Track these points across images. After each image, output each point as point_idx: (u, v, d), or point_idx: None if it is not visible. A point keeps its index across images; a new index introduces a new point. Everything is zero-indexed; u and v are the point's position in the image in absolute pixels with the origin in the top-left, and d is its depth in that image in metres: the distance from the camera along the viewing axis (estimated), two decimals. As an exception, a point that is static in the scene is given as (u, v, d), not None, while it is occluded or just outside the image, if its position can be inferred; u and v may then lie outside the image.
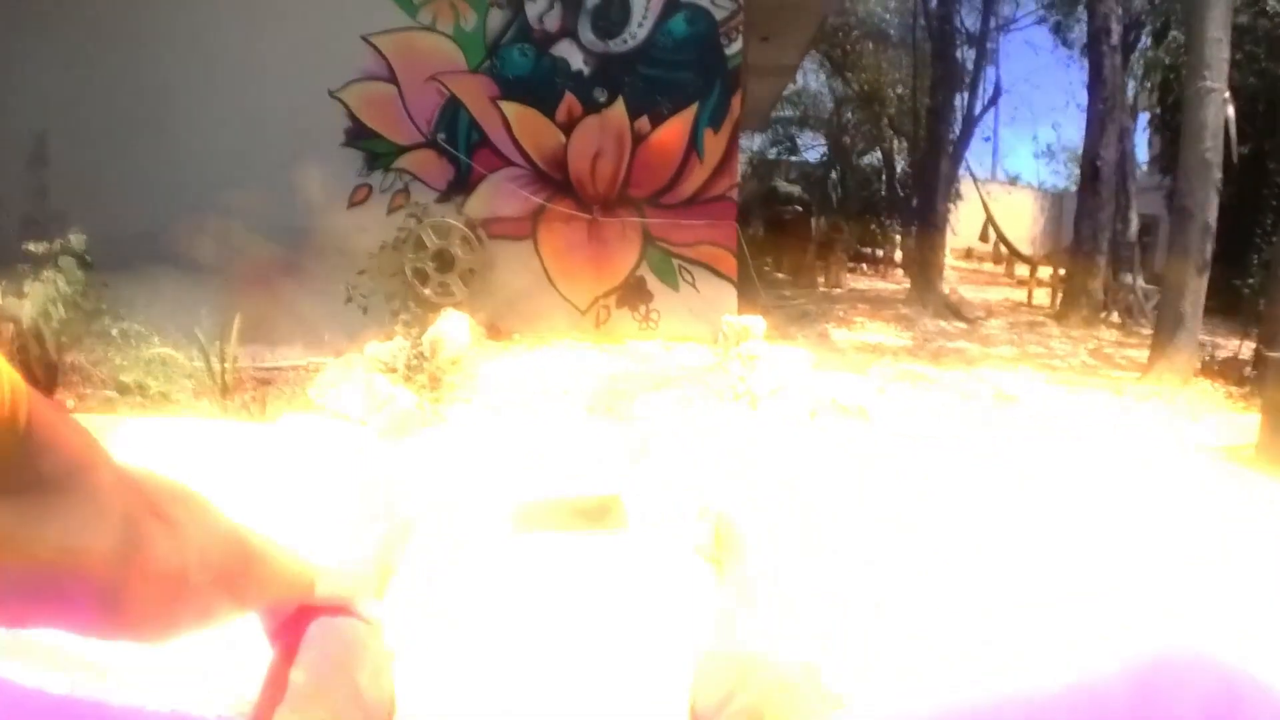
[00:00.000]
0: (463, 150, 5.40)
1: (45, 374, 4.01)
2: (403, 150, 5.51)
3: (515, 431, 3.89)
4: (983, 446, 3.67)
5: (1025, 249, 15.58)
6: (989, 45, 12.31)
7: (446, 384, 4.75)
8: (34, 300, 4.02)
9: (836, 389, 4.64)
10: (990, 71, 12.76)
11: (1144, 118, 14.04)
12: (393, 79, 5.50)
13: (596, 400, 4.39)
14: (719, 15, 5.25)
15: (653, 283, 5.33)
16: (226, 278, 5.20)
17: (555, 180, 5.35)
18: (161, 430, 2.98)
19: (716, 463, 2.87)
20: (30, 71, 5.80)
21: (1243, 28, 9.58)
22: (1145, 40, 12.33)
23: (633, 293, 5.34)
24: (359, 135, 5.57)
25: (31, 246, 4.16)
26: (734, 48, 5.26)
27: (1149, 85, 12.87)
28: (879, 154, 15.68)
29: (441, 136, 5.43)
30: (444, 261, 5.37)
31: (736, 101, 5.27)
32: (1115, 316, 9.70)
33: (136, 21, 6.23)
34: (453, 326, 5.09)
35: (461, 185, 5.44)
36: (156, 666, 0.91)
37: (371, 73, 5.53)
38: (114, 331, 4.68)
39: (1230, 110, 6.05)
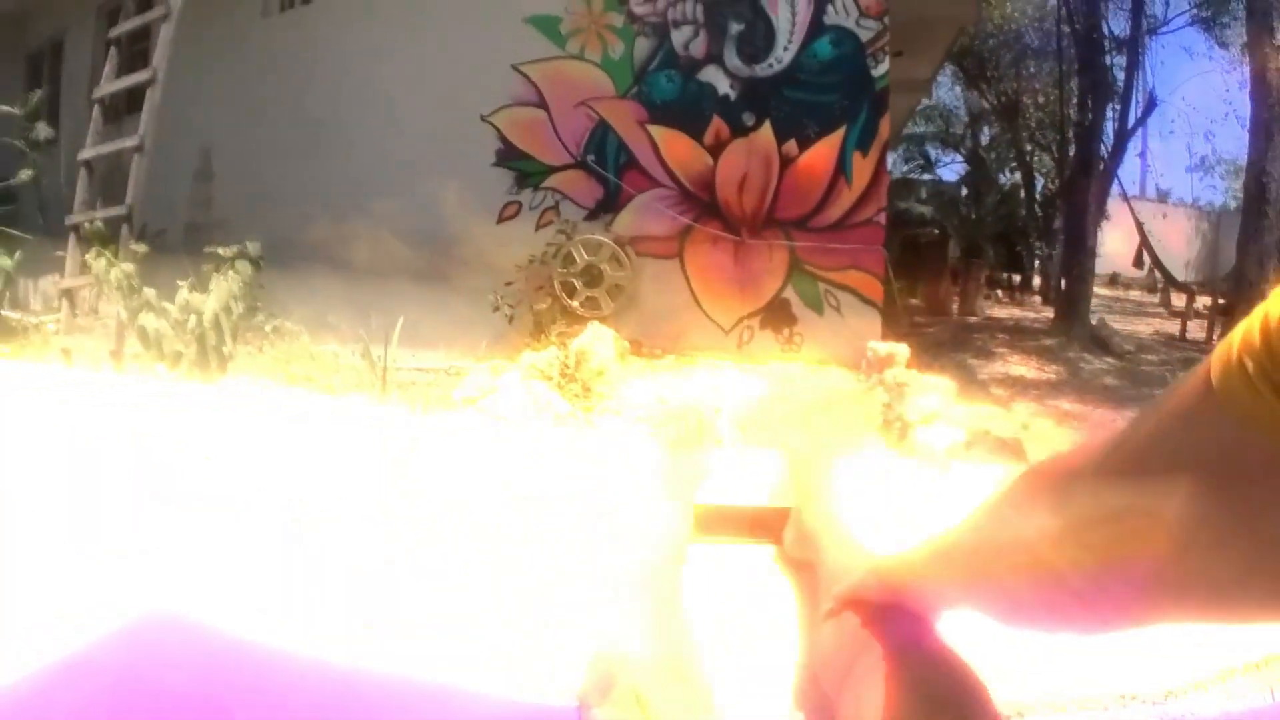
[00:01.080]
0: (611, 171, 5.56)
1: (218, 363, 4.39)
2: (552, 170, 5.72)
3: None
4: None
5: (1180, 274, 14.51)
6: (1140, 52, 11.63)
7: (596, 394, 4.88)
8: (217, 296, 4.42)
9: (987, 421, 4.48)
10: (1140, 80, 12.05)
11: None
12: (543, 104, 5.73)
13: (744, 421, 4.39)
14: (864, 36, 5.22)
15: (797, 305, 5.32)
16: (376, 283, 5.55)
17: (703, 201, 5.42)
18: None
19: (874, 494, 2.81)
20: (197, 90, 6.25)
21: None
22: None
23: (777, 315, 5.33)
24: (509, 156, 5.82)
25: (220, 250, 4.56)
26: (881, 69, 5.22)
27: None
28: (1018, 172, 14.94)
29: (591, 158, 5.60)
30: (592, 277, 5.52)
31: (884, 124, 5.22)
32: None
33: (299, 48, 6.77)
34: (599, 339, 5.22)
35: (610, 204, 5.59)
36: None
37: (522, 99, 5.77)
38: (268, 328, 5.10)
39: None
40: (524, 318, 5.65)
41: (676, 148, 5.44)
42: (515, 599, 1.08)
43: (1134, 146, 16.88)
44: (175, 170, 6.55)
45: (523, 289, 5.70)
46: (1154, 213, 18.83)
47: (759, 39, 5.33)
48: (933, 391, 4.75)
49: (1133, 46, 10.80)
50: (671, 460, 1.21)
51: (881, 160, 5.24)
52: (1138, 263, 15.97)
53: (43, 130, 7.35)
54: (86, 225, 5.03)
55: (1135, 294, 16.06)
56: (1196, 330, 10.46)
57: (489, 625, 1.01)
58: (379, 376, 4.80)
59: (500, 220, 5.78)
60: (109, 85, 5.49)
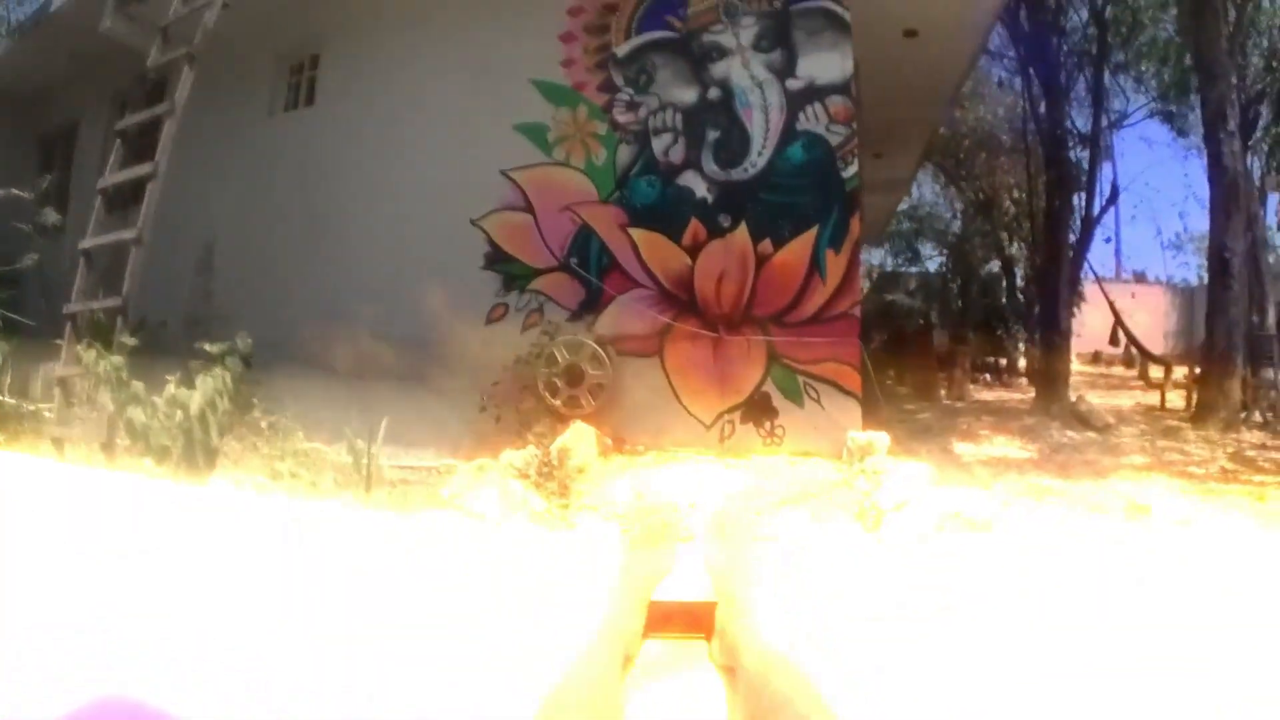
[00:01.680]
0: (594, 273, 5.72)
1: (205, 458, 4.41)
2: (538, 273, 5.89)
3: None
4: (1108, 561, 3.50)
5: (1158, 348, 14.80)
6: (1102, 143, 12.13)
7: (575, 492, 4.92)
8: (203, 392, 4.47)
9: (960, 503, 4.54)
10: (1107, 169, 12.54)
11: (1274, 200, 13.32)
12: (529, 209, 5.94)
13: (718, 515, 4.42)
14: (834, 140, 5.45)
15: (777, 399, 5.39)
16: (368, 381, 5.64)
17: (682, 301, 5.56)
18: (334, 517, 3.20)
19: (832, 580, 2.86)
20: (203, 184, 6.48)
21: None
22: (1265, 117, 11.83)
23: (757, 409, 5.41)
24: (497, 259, 5.99)
25: (208, 347, 4.64)
26: (850, 171, 5.43)
27: (1275, 165, 12.28)
28: (998, 261, 15.45)
29: (574, 260, 5.78)
30: (574, 376, 5.62)
31: (855, 223, 5.40)
32: (1257, 416, 9.00)
33: (302, 148, 7.02)
34: (580, 437, 5.29)
35: (592, 305, 5.74)
36: None
37: (510, 203, 5.99)
38: (264, 424, 5.14)
39: None
40: (510, 418, 5.73)
41: (656, 249, 5.62)
42: (460, 694, 1.14)
43: (1105, 231, 17.50)
44: (178, 262, 6.71)
45: (509, 389, 5.80)
46: (1129, 292, 19.33)
47: (735, 145, 5.57)
48: (911, 477, 4.83)
49: (1095, 141, 11.29)
50: (631, 558, 1.28)
51: (854, 257, 5.40)
52: (1113, 340, 16.35)
53: (50, 216, 7.49)
54: (83, 315, 5.11)
55: (1117, 370, 16.34)
56: (1177, 400, 10.65)
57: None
58: (364, 476, 4.85)
59: (489, 322, 5.94)
60: (113, 176, 5.61)
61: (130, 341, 4.79)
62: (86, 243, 5.42)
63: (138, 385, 4.46)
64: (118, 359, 4.54)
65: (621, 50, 5.88)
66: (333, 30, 7.06)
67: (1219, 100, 8.86)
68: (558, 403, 5.64)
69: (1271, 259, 13.13)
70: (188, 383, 4.57)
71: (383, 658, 1.25)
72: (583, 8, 6.00)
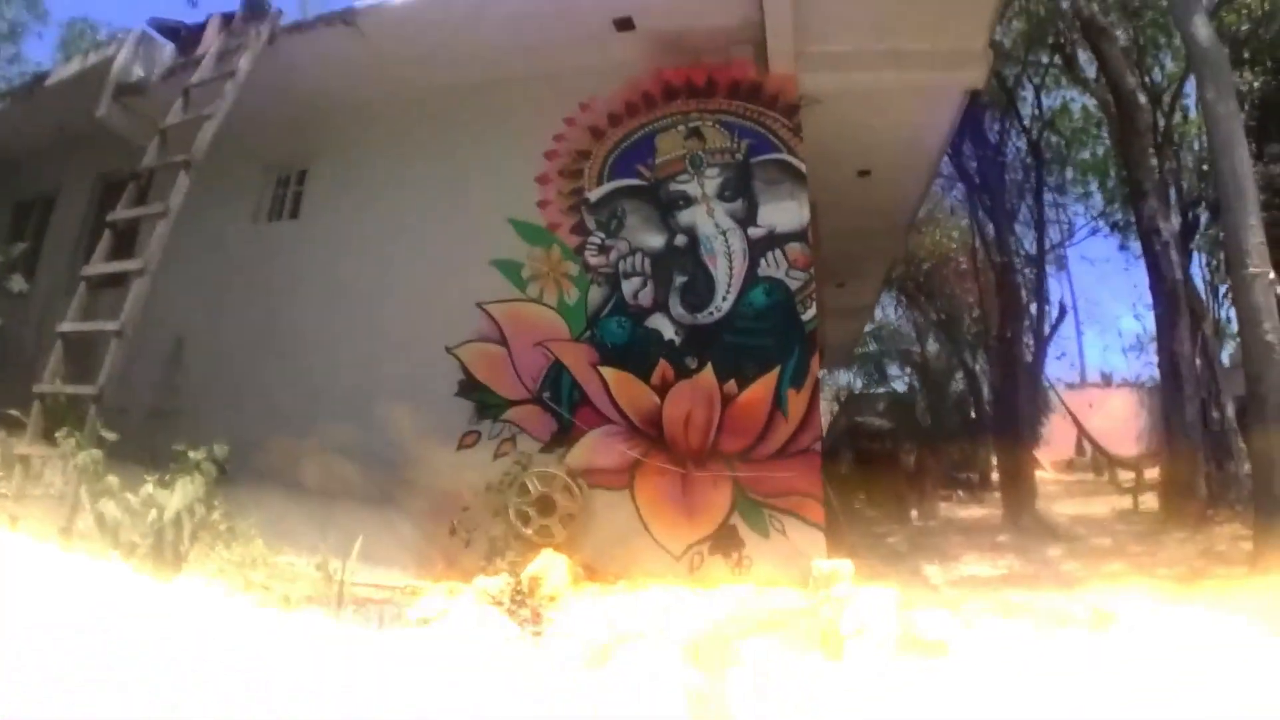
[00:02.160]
0: (565, 408, 5.92)
1: (173, 559, 4.38)
2: (510, 404, 6.06)
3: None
4: (1064, 677, 3.60)
5: (1130, 448, 15.15)
6: (1050, 261, 12.70)
7: (547, 619, 4.96)
8: (181, 496, 4.48)
9: (920, 626, 4.65)
10: (1059, 284, 13.10)
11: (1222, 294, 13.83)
12: (504, 341, 6.17)
13: (691, 644, 4.50)
14: (794, 285, 5.80)
15: (744, 530, 5.53)
16: (336, 497, 5.69)
17: (650, 436, 5.75)
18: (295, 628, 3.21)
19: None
20: (179, 282, 6.43)
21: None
22: (1204, 217, 12.46)
23: (725, 540, 5.54)
24: (471, 388, 6.17)
25: (190, 453, 4.64)
26: (809, 313, 5.75)
27: (1215, 263, 12.86)
28: (964, 377, 15.91)
29: (546, 394, 5.98)
30: (545, 506, 5.75)
31: (815, 362, 5.69)
32: (1226, 510, 9.19)
33: (282, 258, 7.13)
34: (551, 566, 5.38)
35: (564, 438, 5.90)
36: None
37: (485, 335, 6.21)
38: (223, 527, 5.13)
39: (1278, 289, 6.02)
40: (479, 542, 5.82)
41: (626, 388, 5.84)
42: None
43: (1064, 342, 18.09)
44: (145, 352, 6.57)
45: (479, 515, 5.89)
46: (1100, 395, 19.81)
47: (700, 289, 5.89)
48: (875, 603, 4.95)
49: (1040, 263, 11.90)
50: (700, 680, 1.39)
51: (814, 395, 5.65)
52: (1079, 449, 16.72)
53: (17, 283, 7.49)
54: (52, 397, 5.09)
55: (1090, 476, 16.59)
56: (1151, 501, 10.79)
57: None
58: (336, 591, 4.86)
59: (460, 448, 6.06)
60: (99, 266, 5.69)
61: (110, 436, 4.81)
62: (65, 327, 5.44)
63: (113, 480, 4.46)
64: (97, 453, 4.55)
65: (594, 195, 6.26)
66: (323, 148, 7.34)
67: (1151, 215, 9.45)
68: (529, 531, 5.75)
69: (1227, 354, 13.61)
70: (164, 483, 4.59)
71: None
72: (558, 152, 6.41)
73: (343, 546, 4.96)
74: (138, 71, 7.62)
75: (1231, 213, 6.19)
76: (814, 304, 5.76)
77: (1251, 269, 5.92)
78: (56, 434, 4.74)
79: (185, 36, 7.58)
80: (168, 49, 7.76)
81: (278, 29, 6.68)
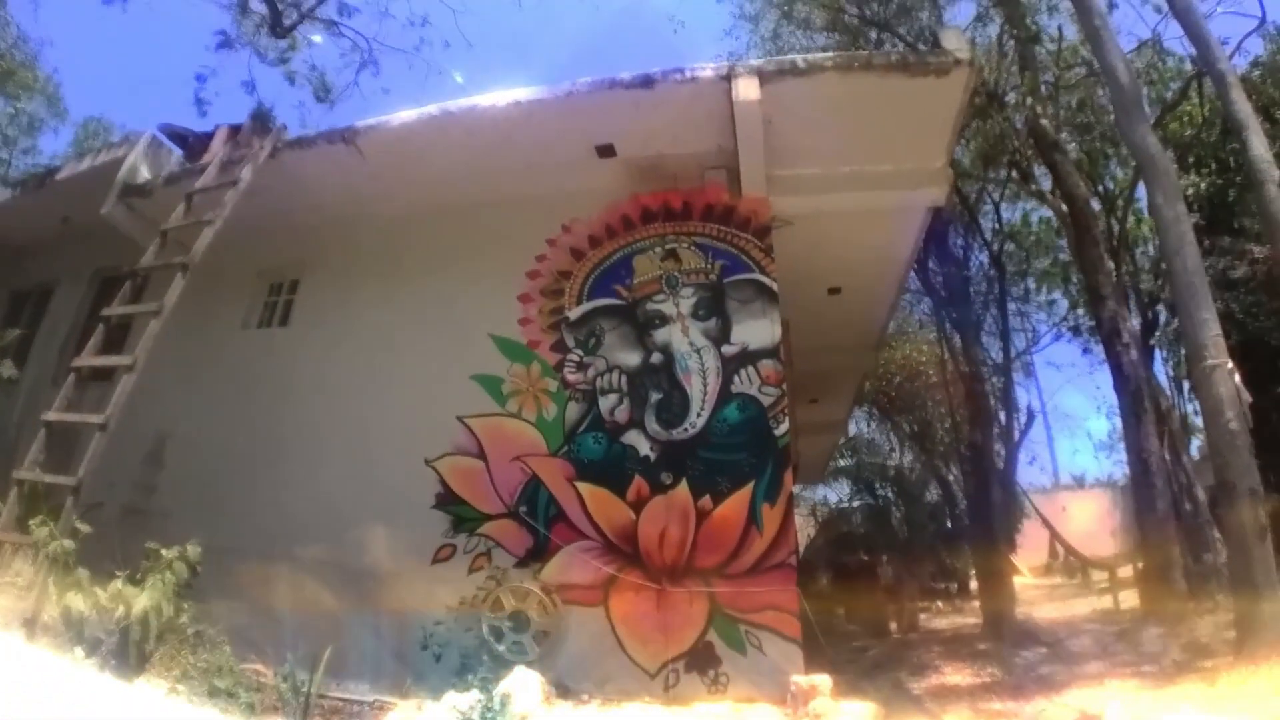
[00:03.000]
0: (541, 523, 5.94)
1: (137, 659, 4.28)
2: (487, 518, 6.07)
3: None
4: None
5: (1106, 547, 15.18)
6: (1017, 369, 12.99)
7: (518, 742, 4.86)
8: (151, 595, 4.41)
9: None
10: (1026, 390, 13.38)
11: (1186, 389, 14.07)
12: (482, 455, 6.23)
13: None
14: (766, 401, 5.95)
15: (720, 647, 5.49)
16: (307, 606, 5.60)
17: (626, 552, 5.76)
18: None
19: None
20: (164, 381, 6.44)
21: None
22: (1164, 315, 12.83)
23: (701, 657, 5.49)
24: (448, 501, 6.19)
25: (163, 552, 4.63)
26: (782, 429, 5.88)
27: (1176, 358, 13.16)
28: (939, 487, 16.05)
29: (523, 509, 6.01)
30: (519, 622, 5.71)
31: (788, 477, 5.78)
32: (1207, 600, 9.15)
33: (268, 366, 7.21)
34: (523, 683, 5.29)
35: (539, 553, 5.90)
36: None
37: (463, 448, 6.28)
38: (190, 631, 5.01)
39: (1236, 377, 6.18)
40: (451, 658, 5.73)
41: (602, 503, 5.90)
42: None
43: (1035, 448, 18.31)
44: (126, 449, 6.55)
45: (451, 630, 5.82)
46: (1074, 497, 19.93)
47: (675, 406, 6.03)
48: (855, 718, 4.93)
49: (1007, 373, 12.24)
50: None
51: (788, 509, 5.72)
52: (1052, 553, 16.74)
53: (6, 369, 7.46)
54: (31, 485, 5.05)
55: (1075, 580, 16.53)
56: (1132, 599, 10.71)
57: None
58: (302, 703, 4.75)
59: (435, 561, 6.04)
60: (90, 358, 5.74)
61: (85, 528, 4.76)
62: (50, 415, 5.45)
63: (82, 573, 4.41)
64: (69, 544, 4.51)
65: (573, 313, 6.47)
66: (316, 259, 7.54)
67: (1111, 317, 9.78)
68: (502, 648, 5.68)
69: (1195, 447, 13.79)
70: (134, 580, 4.53)
71: None
72: (540, 272, 6.64)
73: (311, 658, 4.90)
74: (144, 174, 7.90)
75: (1186, 310, 6.47)
76: (787, 419, 5.90)
77: (1210, 361, 6.14)
78: (30, 522, 4.71)
79: (193, 144, 7.94)
80: (175, 154, 8.13)
81: (281, 142, 7.01)
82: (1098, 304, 10.10)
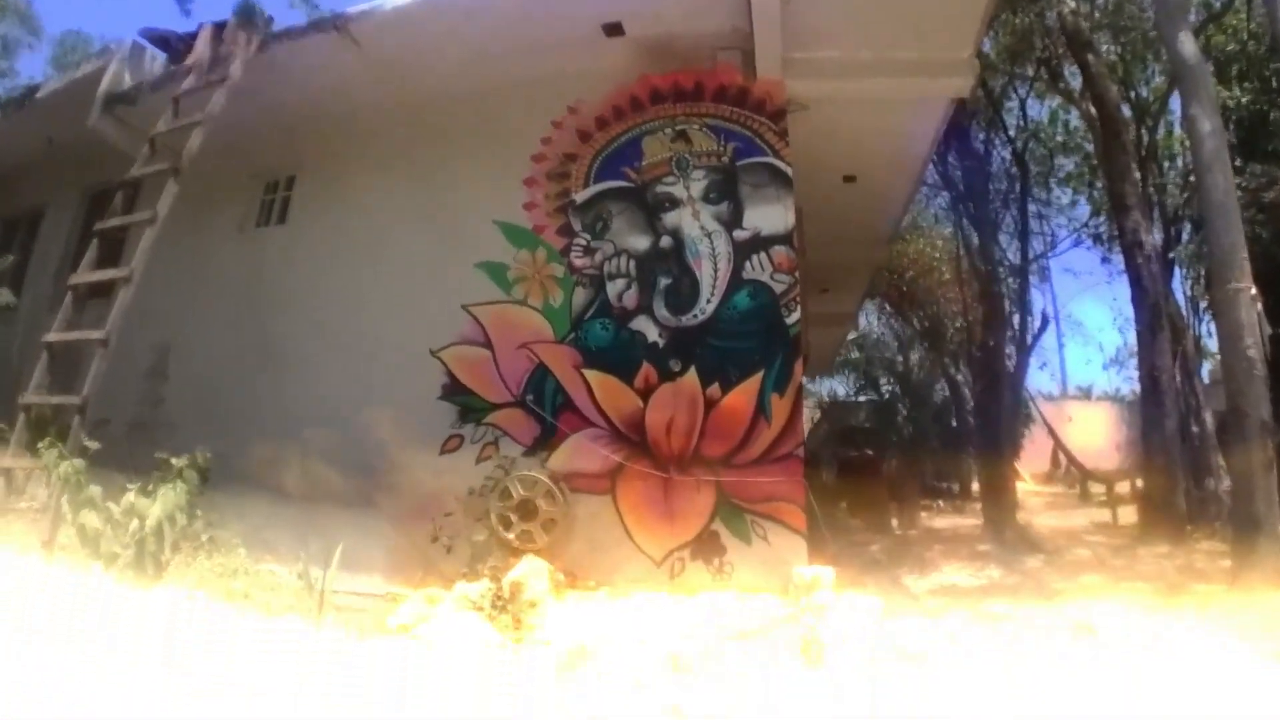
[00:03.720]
0: (549, 411, 5.88)
1: (155, 569, 4.33)
2: (494, 408, 6.03)
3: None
4: (1045, 687, 3.60)
5: (1109, 462, 15.24)
6: (1032, 273, 12.76)
7: (527, 625, 4.93)
8: (163, 505, 4.44)
9: (902, 636, 4.64)
10: (1042, 294, 13.19)
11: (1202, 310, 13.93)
12: (488, 344, 6.14)
13: (672, 651, 4.47)
14: (778, 289, 5.78)
15: (726, 536, 5.49)
16: (318, 504, 5.63)
17: (633, 441, 5.71)
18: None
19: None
20: (163, 292, 6.46)
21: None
22: (1187, 233, 12.58)
23: (706, 546, 5.50)
24: (454, 391, 6.14)
25: (172, 460, 4.64)
26: (793, 318, 5.73)
27: (1194, 277, 12.98)
28: (946, 386, 15.98)
29: (530, 398, 5.95)
30: (527, 511, 5.70)
31: (799, 367, 5.66)
32: (1204, 525, 9.23)
33: (268, 266, 7.14)
34: (533, 571, 5.34)
35: (546, 442, 5.86)
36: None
37: (469, 338, 6.19)
38: (204, 537, 5.08)
39: (1259, 304, 6.07)
40: (461, 549, 5.76)
41: (609, 391, 5.81)
42: None
43: (1046, 354, 18.21)
44: (130, 363, 6.58)
45: (461, 521, 5.84)
46: (1079, 409, 19.93)
47: (685, 292, 5.87)
48: (857, 611, 4.95)
49: (1024, 274, 11.97)
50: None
51: (797, 400, 5.62)
52: (1054, 462, 16.81)
53: (4, 296, 7.44)
54: (36, 408, 5.06)
55: (1073, 490, 16.67)
56: (1129, 515, 10.79)
57: None
58: (316, 600, 4.81)
59: (443, 452, 6.02)
60: (85, 274, 5.65)
61: (93, 445, 4.75)
62: (51, 336, 5.41)
63: (95, 490, 4.42)
64: (79, 462, 4.50)
65: (580, 197, 6.24)
66: (311, 154, 7.32)
67: (1134, 228, 9.51)
68: (511, 536, 5.70)
69: (1205, 370, 13.72)
70: (146, 491, 4.54)
71: None
72: (545, 155, 6.39)
73: (325, 555, 4.95)
74: (128, 81, 7.60)
75: (1214, 229, 6.24)
76: (799, 308, 5.74)
77: (1233, 284, 5.96)
78: (39, 445, 4.70)
79: (177, 46, 7.56)
80: (159, 59, 7.77)
81: (269, 36, 6.66)
82: (1121, 213, 9.78)
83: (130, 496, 4.46)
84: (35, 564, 3.98)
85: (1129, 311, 10.96)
